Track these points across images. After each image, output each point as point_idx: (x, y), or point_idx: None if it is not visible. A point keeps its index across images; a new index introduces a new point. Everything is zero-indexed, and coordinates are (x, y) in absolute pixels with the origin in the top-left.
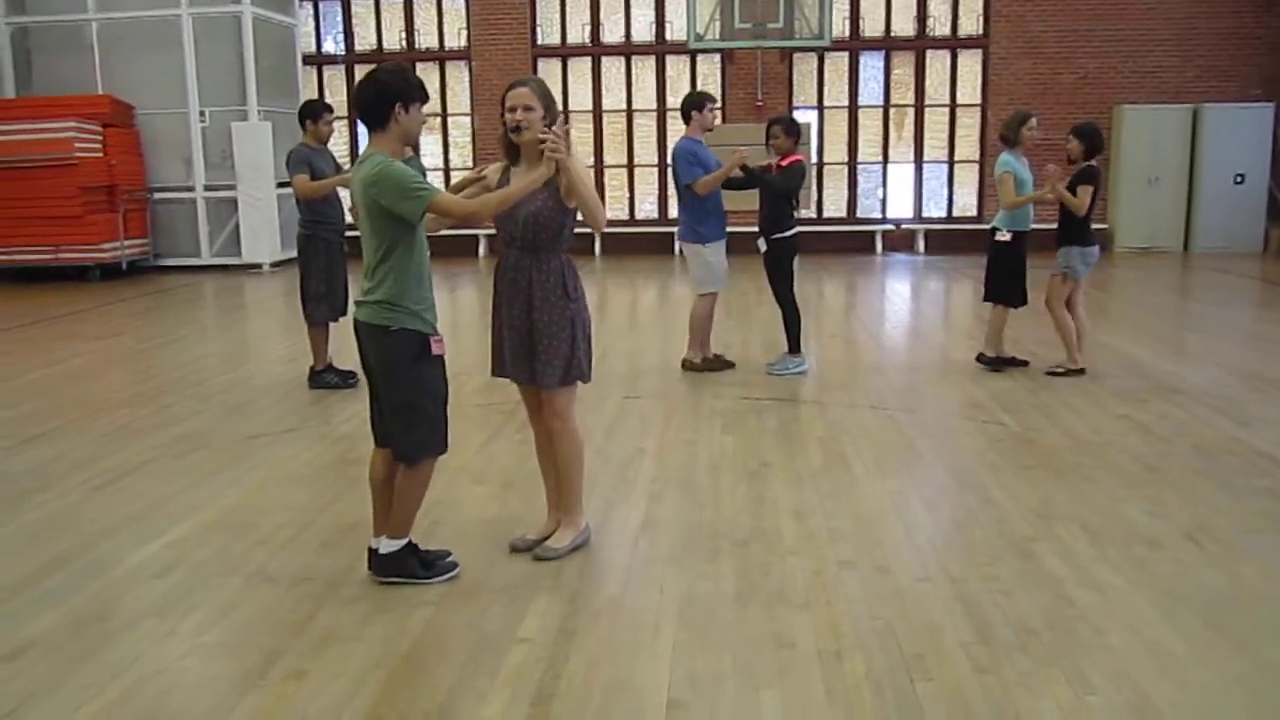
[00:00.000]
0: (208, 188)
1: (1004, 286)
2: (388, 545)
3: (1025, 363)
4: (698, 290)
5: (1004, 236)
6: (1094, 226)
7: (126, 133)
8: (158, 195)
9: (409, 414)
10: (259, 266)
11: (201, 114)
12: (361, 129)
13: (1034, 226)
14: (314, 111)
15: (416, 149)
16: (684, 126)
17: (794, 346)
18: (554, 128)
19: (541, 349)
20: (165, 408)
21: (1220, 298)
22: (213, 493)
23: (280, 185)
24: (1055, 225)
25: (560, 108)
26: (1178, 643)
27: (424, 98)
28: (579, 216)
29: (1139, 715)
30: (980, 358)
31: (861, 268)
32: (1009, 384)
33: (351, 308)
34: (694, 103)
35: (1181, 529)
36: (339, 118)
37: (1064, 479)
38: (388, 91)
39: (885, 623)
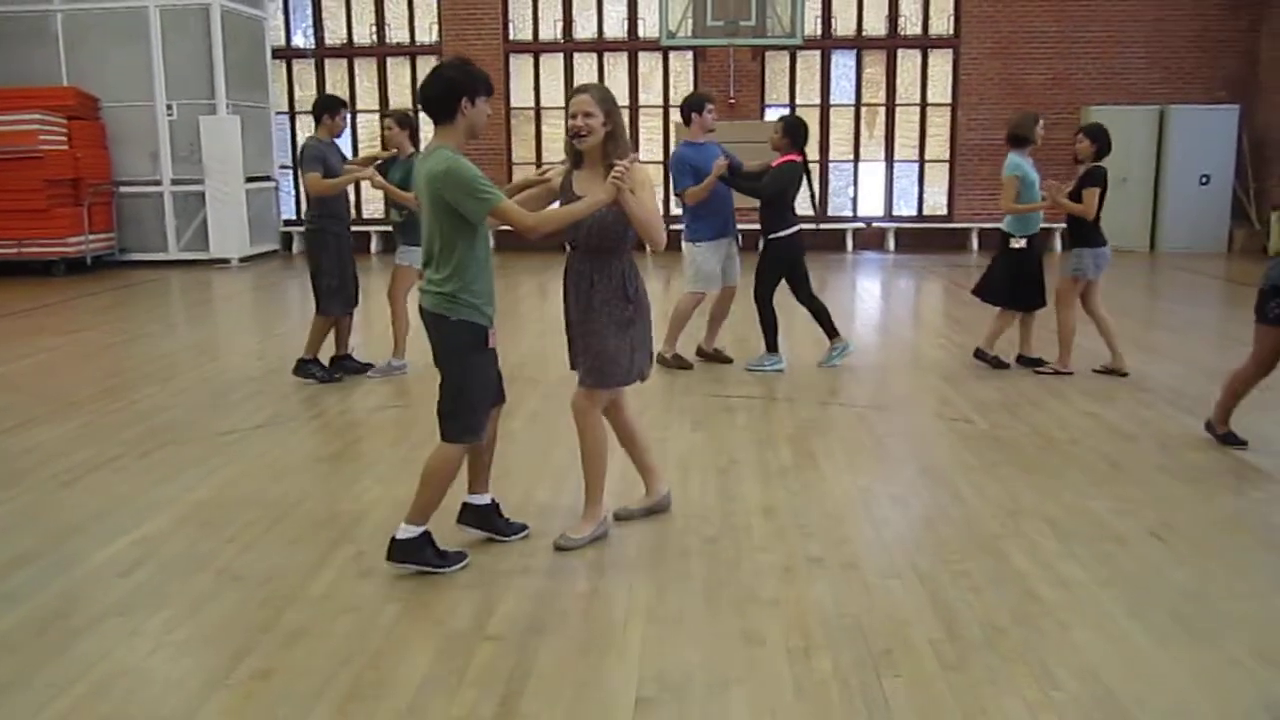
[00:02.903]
0: (175, 181)
1: (1012, 291)
2: (405, 531)
3: (1006, 365)
4: (686, 287)
5: (1019, 243)
6: (1053, 227)
7: (92, 125)
8: (124, 189)
9: (458, 399)
10: (227, 261)
11: (169, 107)
12: (361, 120)
13: (1041, 226)
14: (333, 106)
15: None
16: (660, 123)
17: (771, 345)
18: (624, 160)
19: (595, 346)
20: (134, 403)
21: (1186, 296)
22: (181, 489)
23: (249, 179)
24: (1064, 225)
25: (624, 119)
26: (1144, 638)
27: (489, 91)
28: None
29: (1105, 711)
30: (978, 353)
31: (832, 266)
32: (978, 382)
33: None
34: (694, 105)
35: (1147, 526)
36: (303, 112)
37: (1032, 476)
38: (455, 86)
39: (854, 619)
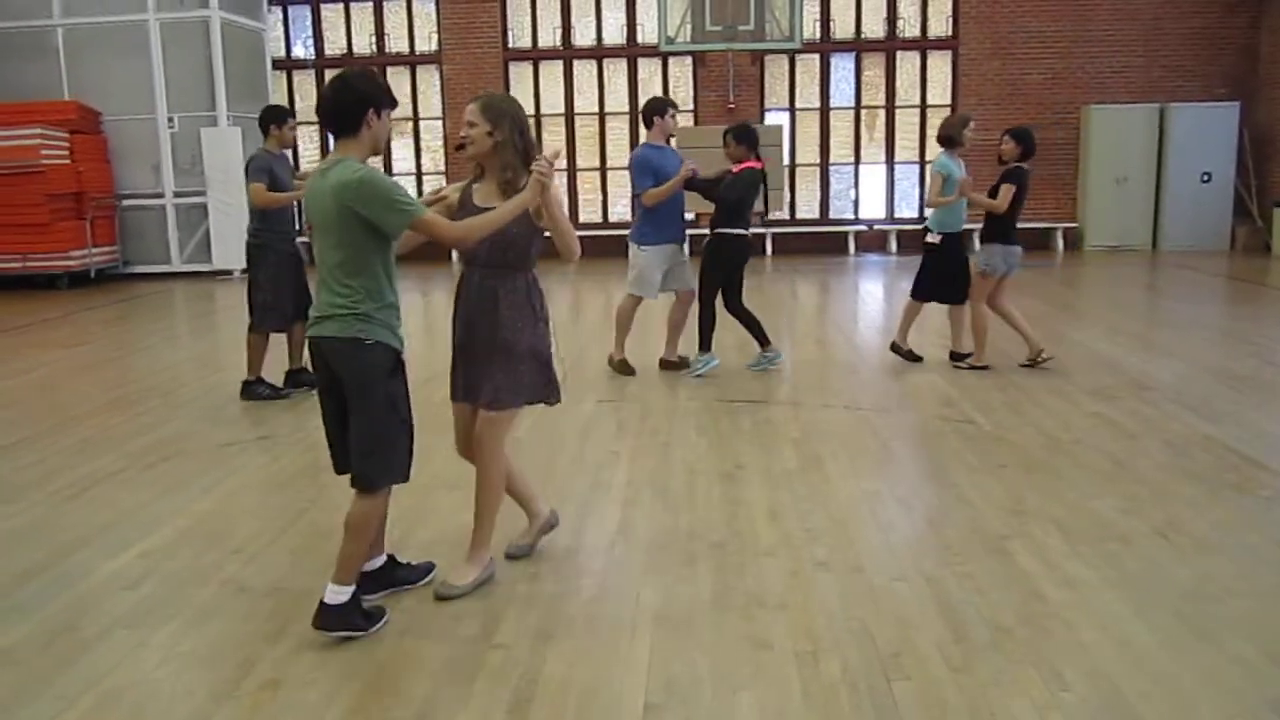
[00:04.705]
0: (177, 194)
1: (931, 286)
2: (335, 594)
3: (920, 359)
4: (628, 289)
5: (933, 239)
6: (1054, 226)
7: (94, 139)
8: (126, 202)
9: (379, 433)
10: (230, 273)
11: (170, 120)
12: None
13: (966, 227)
14: (279, 116)
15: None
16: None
17: (704, 345)
18: (544, 154)
19: (498, 367)
20: (137, 416)
21: (1188, 295)
22: (185, 501)
23: None
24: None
25: (522, 121)
26: (1149, 638)
27: (393, 103)
28: (546, 235)
29: (1112, 711)
30: (953, 356)
31: (834, 268)
32: (981, 383)
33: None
34: (655, 109)
35: (1152, 525)
36: (305, 123)
37: (1036, 476)
38: (362, 97)
39: (861, 623)
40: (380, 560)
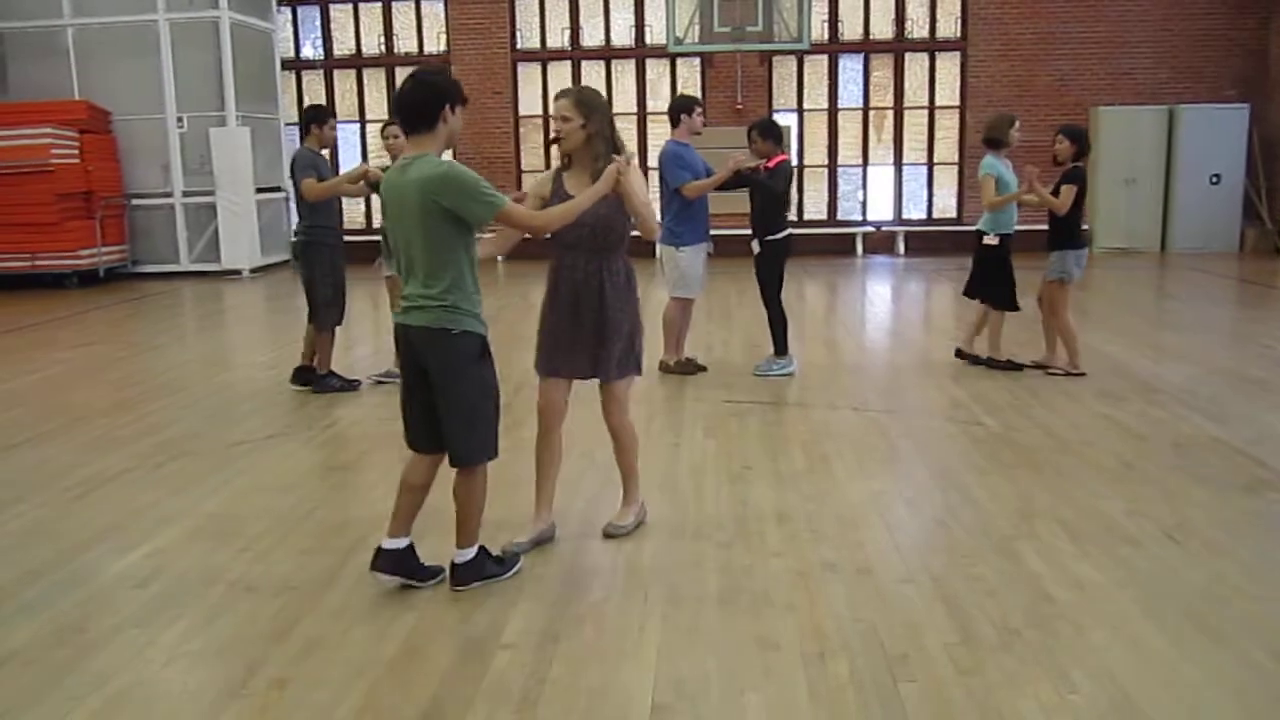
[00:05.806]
0: (186, 193)
1: (990, 288)
2: (463, 555)
3: (1021, 367)
4: (671, 293)
5: (991, 240)
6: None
7: (103, 139)
8: (135, 201)
9: (472, 416)
10: (238, 272)
11: (179, 120)
12: (371, 130)
13: (1017, 228)
14: (321, 116)
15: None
16: (669, 130)
17: (780, 348)
18: (621, 157)
19: (611, 344)
20: (145, 415)
21: (1197, 297)
22: (194, 501)
23: (260, 190)
24: (1046, 228)
25: (610, 114)
26: (1159, 640)
27: (466, 99)
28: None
29: (1121, 713)
30: (959, 353)
31: (842, 270)
32: (989, 384)
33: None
34: (682, 106)
35: (1161, 526)
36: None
37: (1044, 478)
38: (439, 93)
39: (868, 624)
40: (403, 543)
